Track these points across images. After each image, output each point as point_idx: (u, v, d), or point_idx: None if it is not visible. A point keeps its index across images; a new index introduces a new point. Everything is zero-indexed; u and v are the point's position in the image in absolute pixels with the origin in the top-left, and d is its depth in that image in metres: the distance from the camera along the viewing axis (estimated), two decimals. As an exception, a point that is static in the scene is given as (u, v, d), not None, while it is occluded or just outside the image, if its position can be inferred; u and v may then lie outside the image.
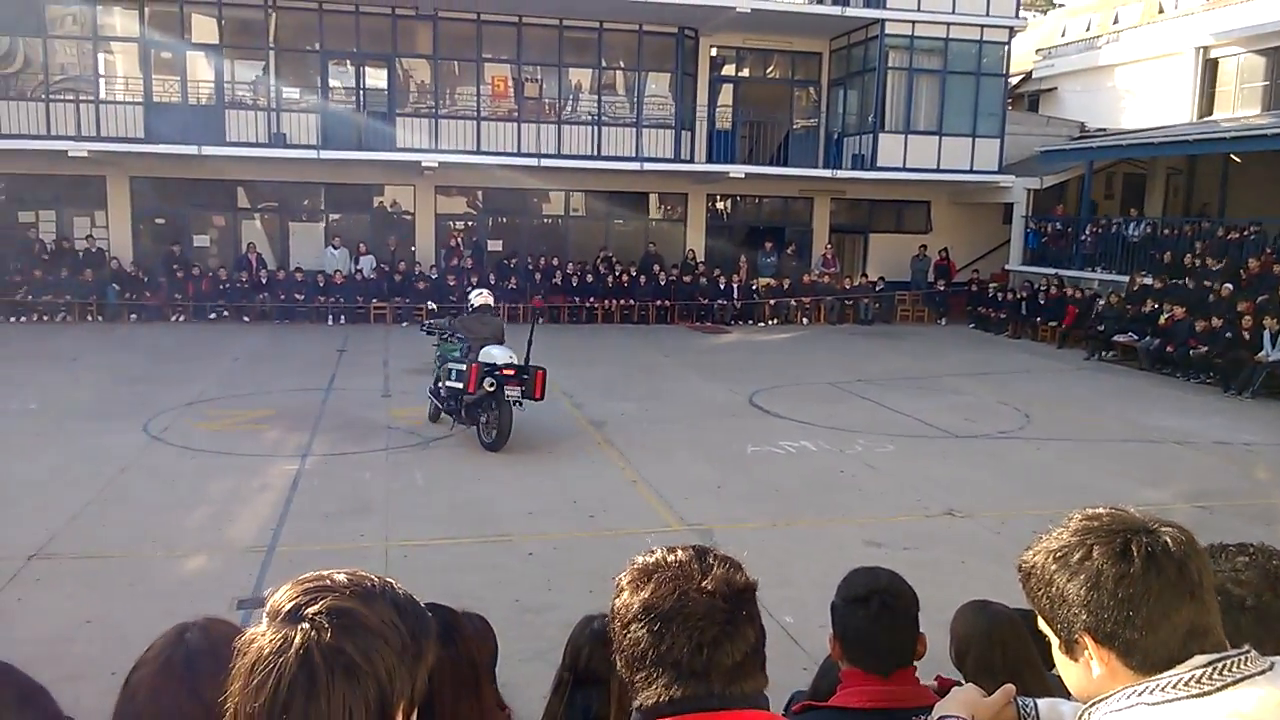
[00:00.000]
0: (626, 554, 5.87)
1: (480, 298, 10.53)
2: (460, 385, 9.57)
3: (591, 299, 20.10)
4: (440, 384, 10.20)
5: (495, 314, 10.86)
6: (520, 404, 9.53)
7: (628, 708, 2.25)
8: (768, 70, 22.89)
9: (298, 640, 1.03)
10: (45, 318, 18.07)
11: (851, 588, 2.16)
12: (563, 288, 20.21)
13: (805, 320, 21.20)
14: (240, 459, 8.96)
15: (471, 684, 1.98)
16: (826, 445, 10.13)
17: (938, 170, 20.92)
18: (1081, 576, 1.29)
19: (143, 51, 18.79)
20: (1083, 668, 1.34)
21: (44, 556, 6.37)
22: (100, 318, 18.31)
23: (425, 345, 11.75)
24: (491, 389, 9.25)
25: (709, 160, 20.85)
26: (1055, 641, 1.37)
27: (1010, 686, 1.78)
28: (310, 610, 1.05)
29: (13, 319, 17.78)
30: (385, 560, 6.47)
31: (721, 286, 20.71)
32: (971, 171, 21.04)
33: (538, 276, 20.35)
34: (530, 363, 9.49)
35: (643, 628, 1.39)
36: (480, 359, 9.46)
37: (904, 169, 20.71)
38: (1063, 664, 1.39)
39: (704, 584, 1.39)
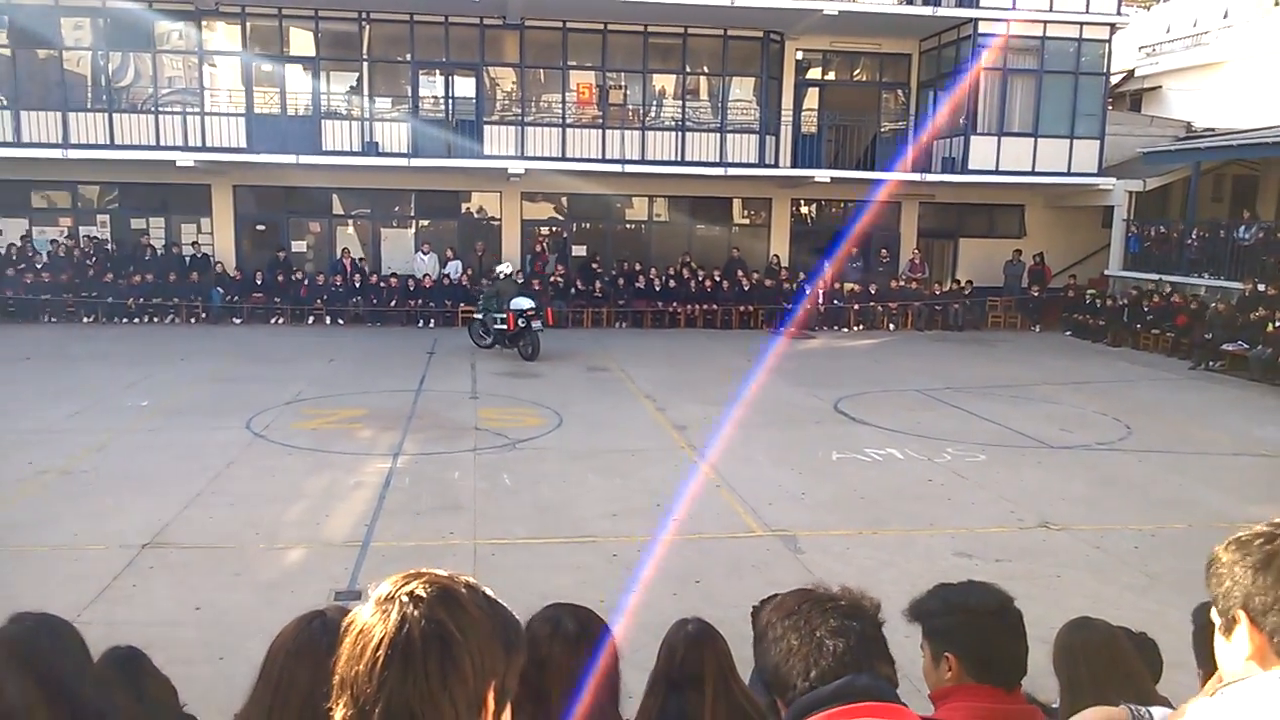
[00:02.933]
0: (710, 558, 5.96)
1: (506, 268, 16.84)
2: (504, 326, 15.46)
3: (674, 304, 20.14)
4: (488, 327, 15.94)
5: (515, 280, 16.94)
6: (541, 329, 15.45)
7: (724, 709, 2.29)
8: (854, 73, 22.63)
9: (396, 611, 1.10)
10: (155, 320, 18.93)
11: (977, 601, 2.13)
12: (646, 293, 20.30)
13: (892, 326, 20.88)
14: (336, 456, 9.26)
15: (597, 684, 1.98)
16: (914, 453, 9.96)
17: (1033, 173, 20.36)
18: (1253, 558, 1.39)
19: (244, 65, 19.56)
20: (1235, 646, 1.39)
21: (156, 545, 6.69)
22: (206, 320, 19.10)
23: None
24: (524, 325, 15.23)
25: (794, 165, 20.70)
26: (1218, 622, 1.45)
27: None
28: (409, 588, 1.12)
29: (125, 321, 18.68)
30: (474, 558, 6.61)
31: (806, 292, 20.53)
32: (1069, 174, 20.42)
33: (621, 282, 20.49)
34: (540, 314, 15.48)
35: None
36: (513, 307, 15.37)
37: (997, 172, 20.21)
38: (1220, 649, 1.45)
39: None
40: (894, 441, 10.42)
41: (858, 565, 6.71)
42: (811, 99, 21.86)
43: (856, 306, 20.75)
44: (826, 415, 11.83)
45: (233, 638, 5.13)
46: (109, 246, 19.95)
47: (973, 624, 2.08)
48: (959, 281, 21.72)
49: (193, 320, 19.11)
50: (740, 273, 20.67)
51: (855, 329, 20.51)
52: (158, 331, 18.01)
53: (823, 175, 19.97)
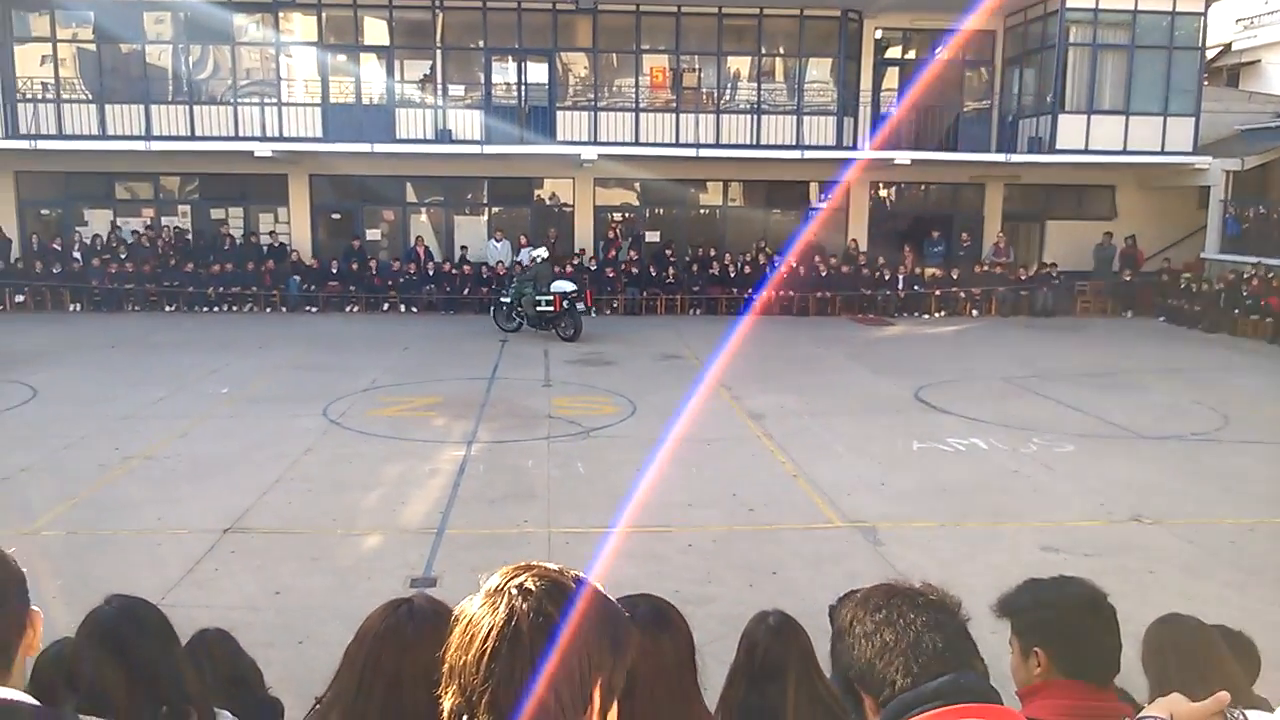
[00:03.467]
0: (787, 549, 5.73)
1: (542, 252, 17.15)
2: (550, 307, 16.13)
3: (750, 291, 19.87)
4: (522, 309, 16.50)
5: (549, 263, 17.13)
6: (589, 312, 16.84)
7: (806, 703, 2.19)
8: (936, 52, 21.97)
9: (504, 603, 1.11)
10: (234, 309, 19.37)
11: (1069, 595, 2.09)
12: (720, 279, 20.07)
13: (975, 312, 20.28)
14: (411, 444, 9.29)
15: (675, 674, 1.99)
16: (999, 443, 9.60)
17: (1124, 152, 19.50)
18: None
19: (320, 56, 19.83)
20: None
21: (237, 530, 6.77)
22: (283, 308, 19.48)
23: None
24: (567, 307, 16.04)
25: (873, 147, 20.21)
26: None
27: (1224, 695, 1.70)
28: (518, 580, 1.13)
29: (205, 310, 19.15)
30: (548, 547, 6.54)
31: (885, 277, 20.06)
32: (1162, 153, 19.51)
33: (695, 268, 20.29)
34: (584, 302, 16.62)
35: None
36: (556, 289, 16.18)
37: (1086, 151, 19.43)
38: None
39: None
40: (977, 431, 10.07)
41: (940, 558, 6.47)
42: (891, 79, 21.30)
43: (938, 292, 20.18)
44: (907, 404, 11.50)
45: (311, 622, 5.14)
46: (189, 236, 20.46)
47: (1064, 619, 2.03)
48: (1046, 265, 20.96)
49: (269, 309, 19.49)
50: (817, 258, 20.28)
51: (937, 315, 19.97)
52: (236, 320, 18.42)
53: (903, 157, 19.44)
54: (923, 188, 22.30)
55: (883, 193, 22.34)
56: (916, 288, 20.19)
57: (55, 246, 19.69)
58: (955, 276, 20.36)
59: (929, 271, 20.59)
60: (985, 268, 20.61)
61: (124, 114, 19.14)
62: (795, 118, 20.08)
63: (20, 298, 19.39)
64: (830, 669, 2.21)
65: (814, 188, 21.98)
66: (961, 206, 22.00)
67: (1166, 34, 19.29)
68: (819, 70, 20.87)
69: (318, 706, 2.29)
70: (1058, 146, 19.30)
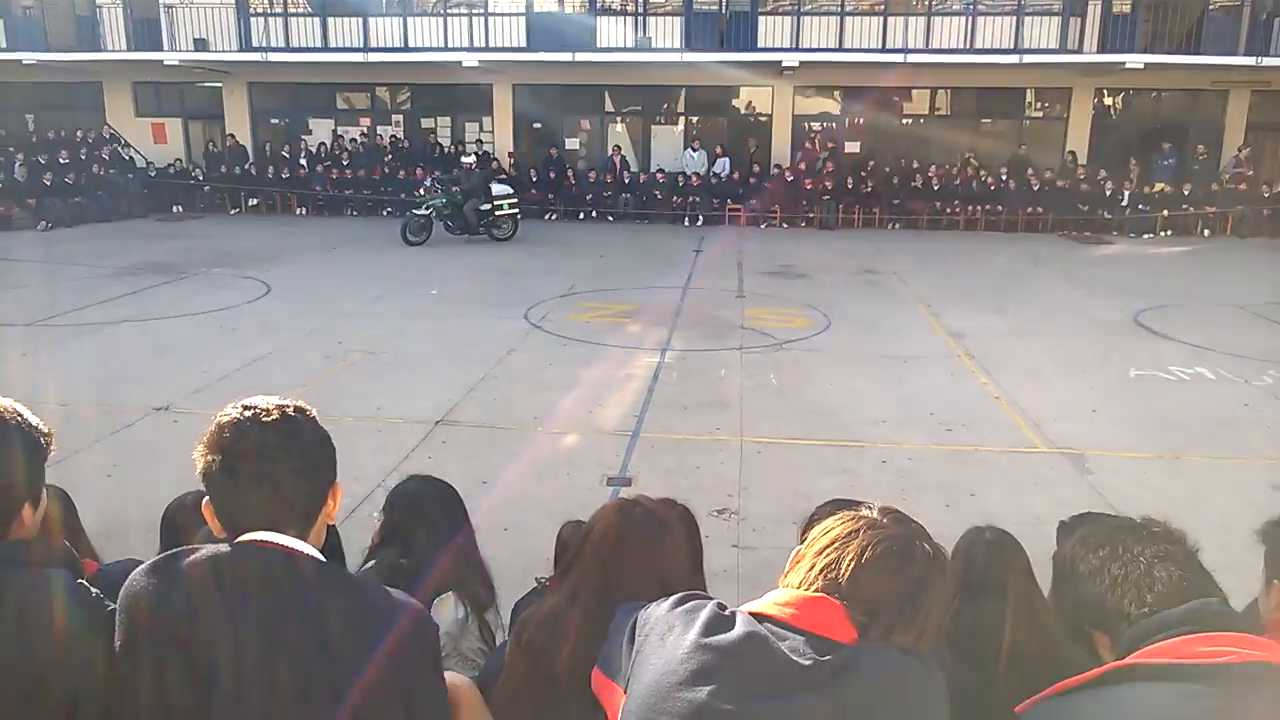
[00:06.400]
0: (987, 471, 5.52)
1: (471, 159, 17.79)
2: (489, 207, 16.50)
3: (954, 205, 18.91)
4: (466, 216, 16.44)
5: (479, 171, 17.62)
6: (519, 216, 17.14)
7: (1025, 621, 2.12)
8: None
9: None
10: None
11: None
12: (923, 193, 19.18)
13: (1207, 232, 18.51)
14: (606, 349, 9.53)
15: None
16: (1228, 374, 8.82)
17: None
18: None
19: (527, -36, 20.03)
20: None
21: (448, 423, 7.20)
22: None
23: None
24: (509, 209, 16.80)
25: (1101, 50, 18.51)
26: None
27: None
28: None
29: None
30: (740, 455, 6.60)
31: (1107, 193, 18.56)
32: None
33: (895, 181, 19.47)
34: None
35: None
36: (498, 193, 16.76)
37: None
38: None
39: None
40: (1204, 360, 9.28)
41: (1156, 492, 6.07)
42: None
43: (1166, 211, 18.50)
44: (1125, 328, 10.72)
45: (516, 512, 5.43)
46: (403, 145, 21.46)
47: None
48: (1295, 181, 18.78)
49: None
50: (1030, 171, 18.99)
51: (1162, 235, 18.37)
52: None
53: (1135, 61, 17.71)
54: (1154, 95, 20.32)
55: (1107, 100, 20.53)
56: (1141, 205, 18.58)
57: (284, 154, 21.22)
58: (1187, 193, 18.58)
59: (1157, 187, 18.87)
60: (1223, 184, 18.66)
61: (344, 26, 20.12)
62: (1014, 19, 18.62)
63: (254, 201, 21.10)
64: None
65: (1030, 94, 20.49)
66: (1198, 116, 19.92)
67: None
68: (1044, -35, 19.20)
69: (539, 585, 2.46)
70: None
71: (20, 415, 1.52)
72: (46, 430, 1.55)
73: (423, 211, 16.26)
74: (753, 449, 6.75)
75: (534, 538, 4.71)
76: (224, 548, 1.49)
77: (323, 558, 1.54)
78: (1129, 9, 18.86)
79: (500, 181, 18.11)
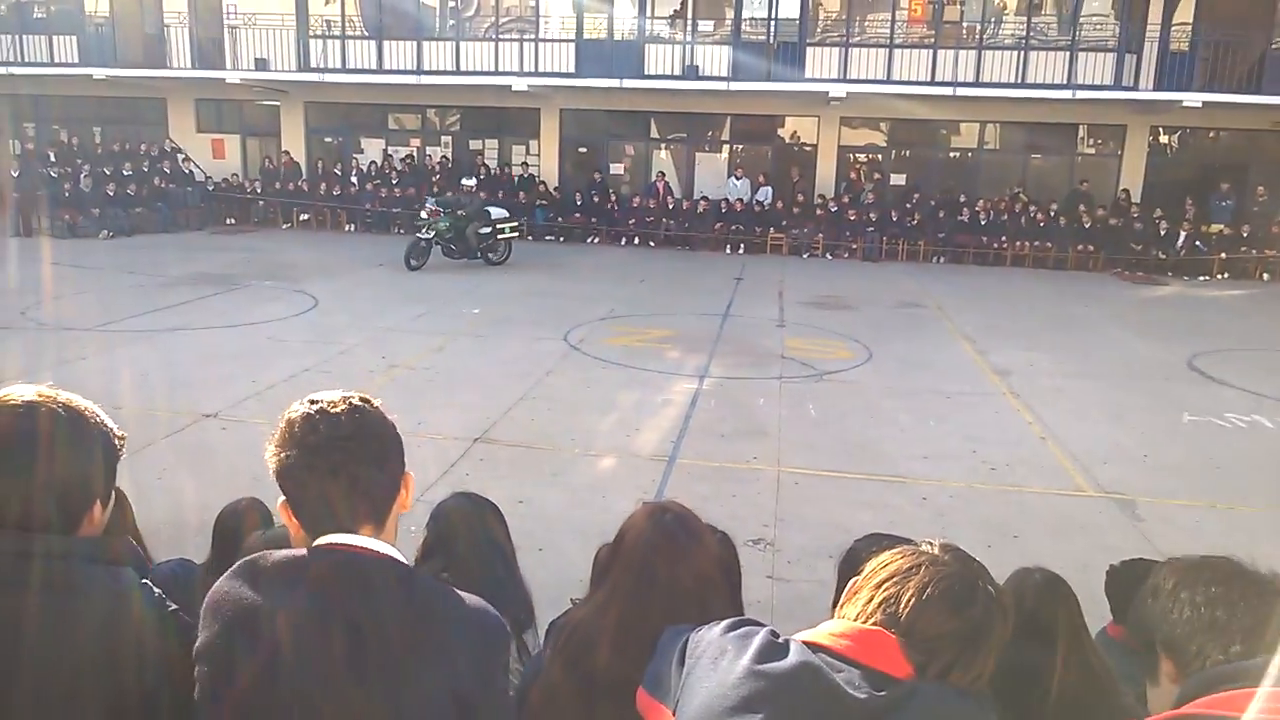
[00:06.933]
0: (1029, 511, 5.36)
1: (471, 182, 16.86)
2: (488, 230, 16.15)
3: (1002, 239, 18.69)
4: (469, 240, 15.92)
5: (477, 193, 16.97)
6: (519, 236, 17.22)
7: (1075, 666, 2.05)
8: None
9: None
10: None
11: None
12: (969, 226, 18.99)
13: (1266, 276, 18.08)
14: (645, 374, 9.50)
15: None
16: (1289, 422, 8.57)
17: None
18: None
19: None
20: None
21: (485, 441, 7.21)
22: (528, 237, 20.32)
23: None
24: (509, 232, 16.72)
25: (1158, 87, 18.25)
26: None
27: None
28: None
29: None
30: (776, 485, 6.51)
31: (1161, 233, 18.22)
32: None
33: (941, 214, 19.31)
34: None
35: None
36: (496, 216, 16.47)
37: None
38: None
39: None
40: (1262, 408, 9.01)
41: (1210, 542, 5.85)
42: (1184, 11, 19.06)
43: (1224, 254, 18.10)
44: (1178, 372, 10.47)
45: (551, 533, 5.40)
46: (449, 166, 21.72)
47: None
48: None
49: (514, 236, 20.34)
50: (1082, 208, 18.72)
51: (1219, 278, 17.96)
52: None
53: (1193, 99, 17.43)
54: (1211, 134, 19.97)
55: (1163, 138, 20.23)
56: (1198, 245, 18.21)
57: (336, 171, 21.59)
58: (1245, 235, 18.18)
59: (1214, 228, 18.50)
60: (1284, 226, 18.26)
61: (399, 49, 20.47)
62: (1068, 54, 18.44)
63: (305, 216, 21.46)
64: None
65: (1082, 130, 20.25)
66: (1258, 156, 19.51)
67: None
68: (1100, 1, 19.02)
69: (575, 607, 2.42)
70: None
71: (99, 416, 1.54)
72: (120, 433, 1.57)
73: (426, 235, 15.62)
74: (790, 479, 6.66)
75: (570, 559, 4.68)
76: (302, 552, 1.50)
77: (400, 557, 1.54)
78: (1187, 47, 18.60)
79: (541, 205, 18.26)
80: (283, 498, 1.53)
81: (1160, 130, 20.03)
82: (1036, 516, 6.25)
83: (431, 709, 1.44)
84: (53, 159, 20.13)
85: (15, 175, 18.84)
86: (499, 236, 16.49)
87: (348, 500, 1.50)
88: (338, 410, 1.53)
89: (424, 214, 15.91)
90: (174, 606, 1.53)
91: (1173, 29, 18.77)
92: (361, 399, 1.57)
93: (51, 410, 1.46)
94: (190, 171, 21.90)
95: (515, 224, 17.00)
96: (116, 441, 1.55)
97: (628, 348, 10.62)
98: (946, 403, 8.88)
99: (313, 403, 1.54)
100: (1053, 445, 7.70)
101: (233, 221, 21.27)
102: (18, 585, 1.37)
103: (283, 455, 1.50)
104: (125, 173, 19.93)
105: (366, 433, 1.54)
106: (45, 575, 1.39)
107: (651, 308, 13.16)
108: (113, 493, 1.59)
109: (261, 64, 20.81)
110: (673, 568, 1.80)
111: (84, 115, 22.50)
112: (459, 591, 1.56)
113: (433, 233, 15.61)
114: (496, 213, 16.63)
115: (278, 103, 22.48)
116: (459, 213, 15.85)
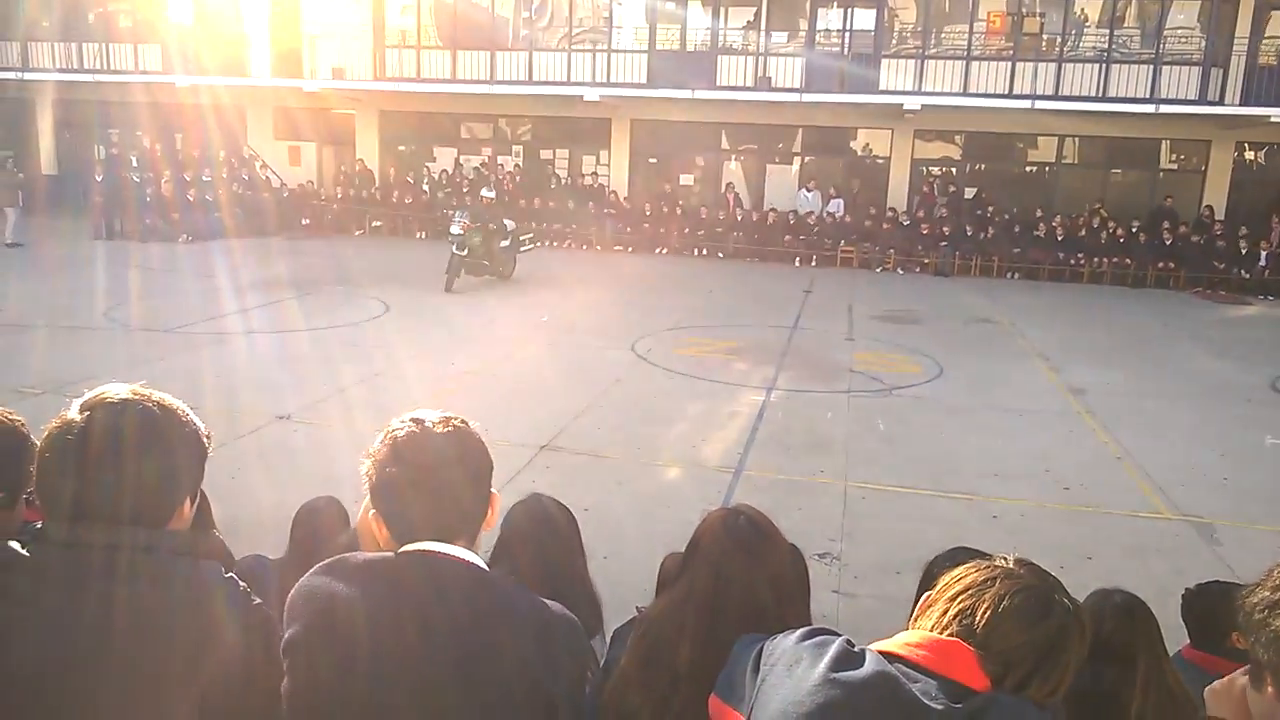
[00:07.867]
0: (1103, 533, 5.24)
1: (490, 194, 16.27)
2: (508, 243, 15.45)
3: (1079, 256, 18.27)
4: (489, 253, 14.97)
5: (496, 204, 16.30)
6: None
7: (1155, 691, 2.01)
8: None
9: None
10: (554, 245, 20.58)
11: None
12: (1044, 242, 18.60)
13: (1357, 297, 17.39)
14: (712, 385, 9.50)
15: None
16: (1379, 450, 8.23)
17: None
18: None
19: (649, 2, 20.35)
20: None
21: (552, 449, 7.28)
22: (598, 247, 20.49)
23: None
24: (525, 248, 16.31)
25: (1244, 102, 17.69)
26: None
27: None
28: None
29: (549, 244, 20.25)
30: (844, 499, 6.47)
31: (1244, 251, 17.64)
32: None
33: (1016, 229, 18.95)
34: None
35: None
36: (510, 229, 15.58)
37: None
38: None
39: None
40: (1353, 433, 8.68)
41: (1295, 571, 5.66)
42: (1276, 24, 18.47)
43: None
44: (1261, 394, 10.13)
45: (616, 542, 5.44)
46: (519, 177, 21.99)
47: None
48: None
49: (584, 246, 20.54)
50: (1165, 225, 18.21)
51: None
52: (556, 255, 19.53)
53: (1280, 115, 16.89)
54: (1303, 150, 19.29)
55: (1249, 155, 19.59)
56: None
57: (408, 179, 22.02)
58: (1335, 254, 17.51)
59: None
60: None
61: (472, 60, 20.82)
62: (1151, 68, 17.99)
63: (377, 223, 21.92)
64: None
65: (1165, 146, 19.72)
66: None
67: None
68: (1185, 14, 18.52)
69: (640, 610, 2.45)
70: None
71: (189, 415, 1.60)
72: (208, 432, 1.63)
73: (461, 252, 14.43)
74: (857, 494, 6.61)
75: (634, 567, 4.70)
76: (389, 555, 1.56)
77: (483, 564, 1.61)
78: (1275, 61, 18.01)
79: (609, 214, 18.05)
80: (373, 509, 1.60)
81: (1246, 145, 19.40)
82: (1111, 538, 6.11)
83: (513, 707, 1.49)
84: (135, 164, 20.90)
85: (99, 180, 19.57)
86: (521, 250, 16.02)
87: (447, 517, 1.58)
88: (443, 430, 1.60)
89: (456, 229, 14.55)
90: (258, 600, 1.57)
91: (1262, 42, 18.19)
92: (460, 419, 1.65)
93: (145, 408, 1.52)
94: (267, 178, 22.54)
95: (530, 235, 17.00)
96: (205, 440, 1.61)
97: (695, 358, 10.64)
98: (1018, 420, 8.72)
99: (416, 421, 1.61)
100: (1128, 466, 7.52)
101: (307, 223, 21.82)
102: (106, 576, 1.42)
103: (390, 471, 1.56)
104: (205, 178, 20.59)
105: (467, 452, 1.61)
106: (133, 567, 1.43)
107: (719, 319, 13.16)
108: (199, 490, 1.64)
109: (337, 73, 21.35)
110: (749, 568, 1.83)
111: (166, 122, 23.29)
112: (544, 600, 1.62)
113: (465, 249, 14.48)
114: (510, 225, 15.92)
115: (353, 111, 23.03)
116: (490, 226, 15.03)
